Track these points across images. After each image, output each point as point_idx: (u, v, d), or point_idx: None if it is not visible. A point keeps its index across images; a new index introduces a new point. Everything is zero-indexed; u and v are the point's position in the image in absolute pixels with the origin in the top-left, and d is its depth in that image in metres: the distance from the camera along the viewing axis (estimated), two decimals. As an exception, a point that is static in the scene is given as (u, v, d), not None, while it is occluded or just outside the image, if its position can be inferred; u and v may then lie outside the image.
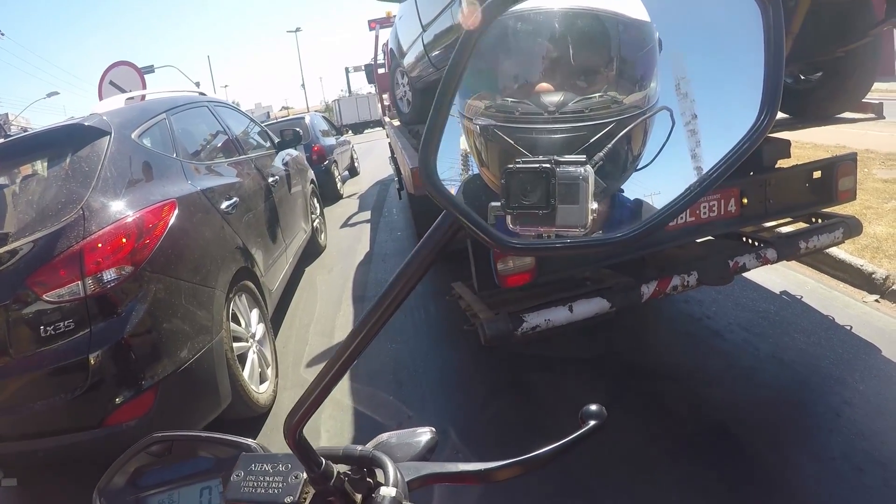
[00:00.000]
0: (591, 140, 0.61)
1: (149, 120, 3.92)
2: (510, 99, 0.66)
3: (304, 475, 0.85)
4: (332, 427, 3.63)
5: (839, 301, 4.42)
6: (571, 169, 0.55)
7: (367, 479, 0.86)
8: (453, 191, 0.65)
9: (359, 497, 0.85)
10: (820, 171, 3.59)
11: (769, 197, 3.45)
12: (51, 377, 2.83)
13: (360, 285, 6.37)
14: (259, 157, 5.74)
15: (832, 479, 2.68)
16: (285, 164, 6.54)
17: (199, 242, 3.53)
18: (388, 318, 0.68)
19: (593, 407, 0.90)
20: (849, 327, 3.94)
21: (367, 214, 10.37)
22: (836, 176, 3.54)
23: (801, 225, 3.95)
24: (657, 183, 0.61)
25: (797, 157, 4.02)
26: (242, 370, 3.69)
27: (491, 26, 0.58)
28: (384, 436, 0.98)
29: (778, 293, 4.61)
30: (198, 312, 3.32)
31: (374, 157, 19.72)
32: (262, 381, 3.99)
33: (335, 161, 13.15)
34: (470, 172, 0.68)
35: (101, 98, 8.57)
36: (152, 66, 20.17)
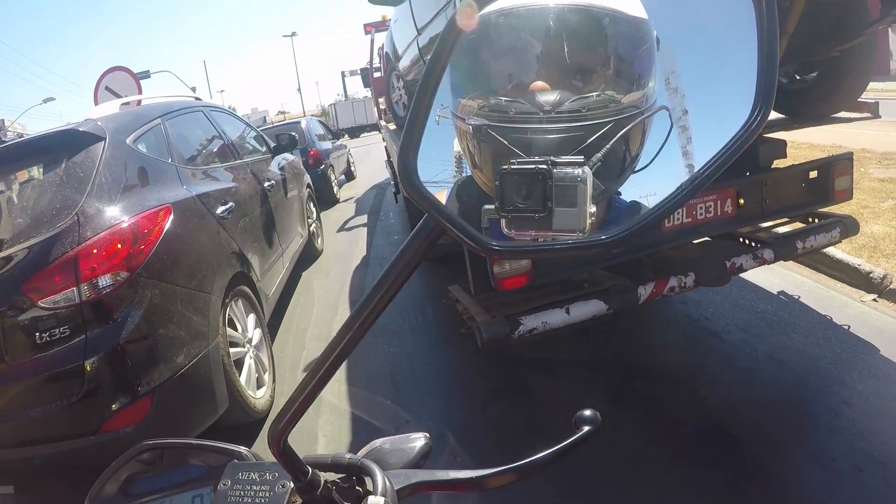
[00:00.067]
0: (589, 140, 0.60)
1: (144, 125, 3.91)
2: (504, 98, 0.64)
3: (292, 484, 0.84)
4: (329, 432, 3.62)
5: (837, 301, 4.42)
6: (569, 170, 0.53)
7: (357, 488, 0.84)
8: (445, 194, 0.65)
9: None
10: (816, 171, 3.59)
11: (766, 197, 3.44)
12: (47, 384, 2.82)
13: (357, 289, 6.36)
14: (255, 161, 5.74)
15: (832, 479, 2.67)
16: (281, 169, 6.53)
17: (194, 247, 3.52)
18: (371, 324, 0.67)
19: (587, 412, 0.89)
20: (846, 327, 3.93)
21: (363, 218, 10.36)
22: (832, 175, 3.54)
23: (798, 225, 3.95)
24: (652, 184, 0.60)
25: (793, 157, 4.02)
26: (239, 375, 3.68)
27: (478, 22, 0.57)
28: (377, 442, 0.97)
29: (775, 293, 4.61)
30: (194, 318, 3.30)
31: (370, 160, 19.73)
32: (259, 387, 3.98)
33: (331, 165, 13.16)
34: (464, 175, 0.67)
35: (96, 103, 8.55)
36: (148, 71, 20.23)
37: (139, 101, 5.21)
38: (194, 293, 3.35)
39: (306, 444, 3.50)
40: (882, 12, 3.08)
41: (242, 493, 0.86)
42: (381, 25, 11.50)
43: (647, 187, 0.59)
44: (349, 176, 16.85)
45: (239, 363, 3.78)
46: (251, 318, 4.16)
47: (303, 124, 12.97)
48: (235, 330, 3.84)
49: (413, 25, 5.09)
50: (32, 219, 3.04)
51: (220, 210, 4.03)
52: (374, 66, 11.73)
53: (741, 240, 3.78)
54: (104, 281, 2.90)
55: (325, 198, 11.68)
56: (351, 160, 17.30)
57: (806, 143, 9.38)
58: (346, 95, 51.12)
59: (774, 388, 3.44)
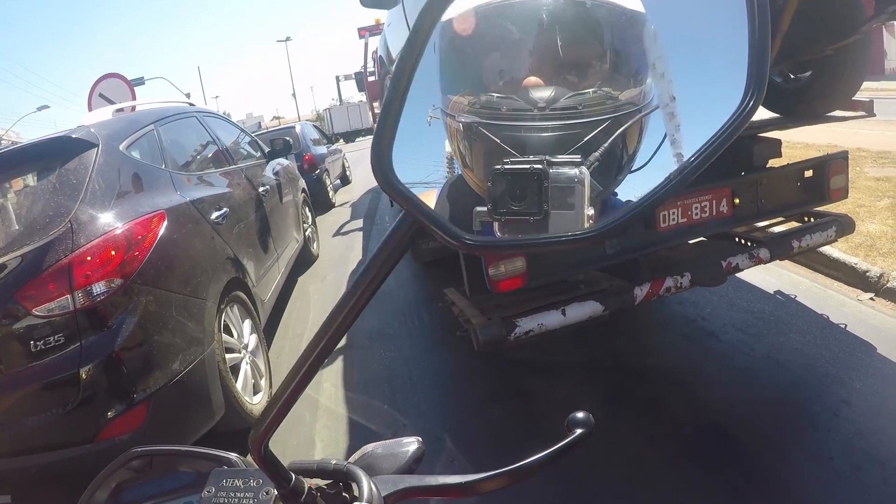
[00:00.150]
0: (586, 139, 0.58)
1: (137, 131, 3.89)
2: (496, 95, 0.62)
3: (276, 491, 0.82)
4: (326, 437, 3.61)
5: (834, 300, 4.42)
6: (566, 170, 0.52)
7: (343, 494, 0.83)
8: (434, 194, 0.62)
9: None
10: (811, 170, 3.58)
11: (761, 197, 3.44)
12: (42, 392, 2.80)
13: (352, 293, 6.33)
14: (249, 166, 5.72)
15: (831, 479, 2.66)
16: (276, 174, 6.52)
17: (188, 253, 3.50)
18: (348, 326, 0.65)
19: (580, 414, 0.87)
20: (844, 326, 3.93)
21: (359, 223, 10.35)
22: (827, 174, 3.54)
23: (794, 224, 3.95)
24: (647, 185, 0.56)
25: (789, 156, 4.02)
26: (235, 381, 3.66)
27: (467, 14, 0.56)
28: (369, 447, 0.95)
29: (772, 293, 4.60)
30: (189, 324, 3.28)
31: (366, 165, 19.63)
32: (255, 392, 3.96)
33: (327, 170, 13.14)
34: (455, 174, 0.65)
35: (90, 111, 8.53)
36: (142, 77, 20.13)
37: (133, 108, 5.20)
38: (189, 299, 3.33)
39: (303, 450, 3.49)
40: (876, 10, 3.08)
41: (227, 500, 0.84)
42: (375, 29, 11.49)
43: (644, 188, 0.57)
44: (345, 180, 16.84)
45: (235, 369, 3.76)
46: (247, 324, 4.15)
47: (297, 129, 12.96)
48: (231, 336, 3.82)
49: (406, 28, 5.07)
50: (26, 226, 3.02)
51: (214, 215, 4.01)
52: (368, 70, 11.73)
53: (737, 239, 3.78)
54: (98, 288, 2.88)
55: (320, 202, 11.68)
56: (346, 164, 17.29)
57: (801, 143, 9.39)
58: (340, 100, 51.20)
59: (772, 387, 3.43)
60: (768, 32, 0.51)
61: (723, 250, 3.53)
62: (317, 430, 3.69)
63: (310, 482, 0.83)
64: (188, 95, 21.01)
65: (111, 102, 8.53)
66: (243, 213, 4.70)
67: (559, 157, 0.53)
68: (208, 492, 0.86)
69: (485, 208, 0.54)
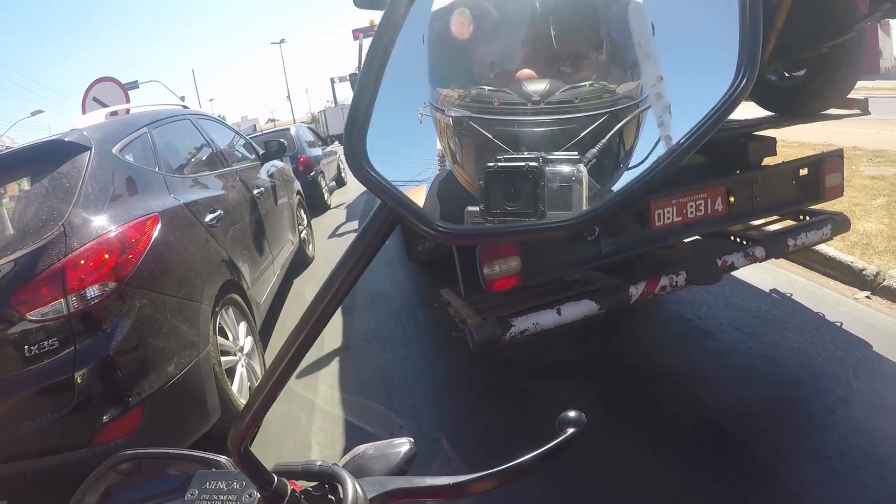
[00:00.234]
0: (583, 134, 0.56)
1: (130, 134, 3.88)
2: (488, 88, 0.60)
3: (259, 493, 0.81)
4: (322, 439, 3.60)
5: (830, 298, 4.42)
6: (563, 168, 0.50)
7: (329, 497, 0.81)
8: (424, 190, 0.61)
9: None
10: (807, 169, 3.59)
11: (756, 195, 3.44)
12: (37, 397, 2.78)
13: (349, 296, 6.31)
14: (243, 169, 5.71)
15: (829, 478, 2.66)
16: (271, 176, 6.50)
17: (183, 256, 3.49)
18: (327, 321, 0.63)
19: (572, 413, 0.86)
20: (840, 324, 3.93)
21: (354, 224, 10.33)
22: (822, 172, 3.54)
23: (789, 222, 3.95)
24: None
25: (784, 155, 4.03)
26: (231, 384, 3.65)
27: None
28: (361, 448, 0.94)
29: (768, 292, 4.60)
30: (183, 327, 3.27)
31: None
32: (251, 395, 3.94)
33: (322, 172, 13.12)
34: (446, 170, 0.63)
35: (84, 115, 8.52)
36: (136, 81, 20.11)
37: (127, 111, 5.19)
38: (184, 302, 3.32)
39: (300, 452, 3.48)
40: (870, 8, 3.08)
41: (209, 503, 0.84)
42: (369, 31, 11.47)
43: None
44: (340, 182, 16.81)
45: (231, 372, 3.76)
46: (242, 326, 4.14)
47: (292, 131, 12.94)
48: (226, 338, 3.81)
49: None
50: (19, 230, 3.01)
51: (208, 218, 4.00)
52: (362, 71, 11.69)
53: (732, 238, 3.77)
54: (92, 292, 2.87)
55: (315, 204, 11.66)
56: (341, 166, 17.23)
57: (797, 142, 9.41)
58: (335, 102, 50.99)
59: (769, 386, 3.43)
60: (760, 10, 0.49)
61: (718, 249, 3.52)
62: (313, 433, 3.68)
63: (297, 484, 0.82)
64: (182, 98, 20.98)
65: (105, 106, 8.51)
66: (238, 216, 4.69)
67: (555, 153, 0.51)
68: (191, 494, 0.85)
69: (477, 208, 0.52)
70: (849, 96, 3.80)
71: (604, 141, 0.56)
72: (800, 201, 3.67)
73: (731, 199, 3.36)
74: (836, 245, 4.88)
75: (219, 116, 7.40)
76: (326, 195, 13.23)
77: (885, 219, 5.54)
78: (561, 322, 3.06)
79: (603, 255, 3.12)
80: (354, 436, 3.60)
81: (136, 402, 2.92)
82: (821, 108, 3.87)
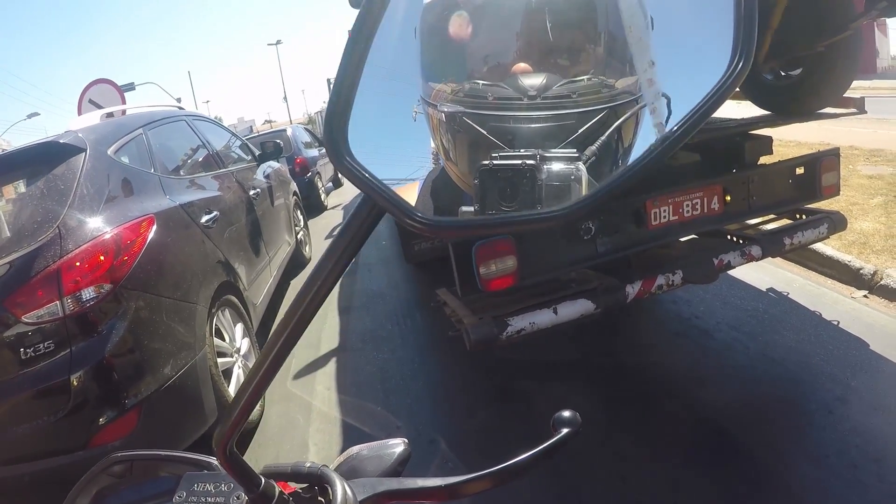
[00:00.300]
0: (581, 130, 0.54)
1: (125, 135, 3.87)
2: (482, 82, 0.59)
3: (247, 495, 0.79)
4: (319, 440, 3.59)
5: (828, 297, 4.42)
6: (561, 166, 0.48)
7: (319, 499, 0.80)
8: (417, 187, 0.58)
9: None
10: (803, 167, 3.58)
11: (752, 194, 3.44)
12: (33, 400, 2.77)
13: (345, 296, 6.31)
14: (240, 170, 5.69)
15: (827, 477, 2.66)
16: (267, 177, 6.49)
17: (179, 258, 3.48)
18: (312, 317, 0.61)
19: (566, 413, 0.84)
20: (836, 322, 3.94)
21: (352, 225, 10.28)
22: (819, 171, 3.54)
23: (786, 221, 3.95)
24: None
25: (781, 155, 4.02)
26: (228, 386, 3.64)
27: None
28: (355, 449, 0.93)
29: (765, 291, 4.61)
30: (180, 329, 3.26)
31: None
32: (248, 397, 3.93)
33: (318, 172, 13.12)
34: (440, 167, 0.61)
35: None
36: (132, 83, 20.01)
37: (123, 112, 5.18)
38: (180, 303, 3.31)
39: (297, 453, 3.48)
40: (866, 6, 3.08)
41: None
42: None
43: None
44: (336, 183, 16.79)
45: (227, 373, 3.74)
46: (239, 328, 4.13)
47: (289, 132, 12.96)
48: (223, 340, 3.80)
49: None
50: (13, 233, 2.99)
51: (204, 219, 3.99)
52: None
53: (729, 237, 3.77)
54: (87, 294, 2.86)
55: (312, 205, 11.67)
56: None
57: (794, 141, 9.41)
58: (332, 103, 50.83)
59: (767, 385, 3.43)
60: None
61: (714, 248, 3.52)
62: (310, 434, 3.67)
63: (290, 486, 0.82)
64: (179, 100, 20.95)
65: (101, 108, 8.49)
66: (234, 217, 4.68)
67: (553, 151, 0.49)
68: (179, 496, 0.84)
69: (471, 208, 0.50)
70: (845, 95, 3.80)
71: (603, 138, 0.54)
72: (796, 200, 3.67)
73: (728, 198, 3.36)
74: (834, 244, 4.89)
75: (215, 118, 7.38)
76: (323, 196, 13.24)
77: (883, 218, 5.55)
78: (557, 321, 3.05)
79: (599, 255, 3.12)
80: (352, 437, 3.59)
81: (132, 404, 2.90)
82: (817, 107, 3.87)
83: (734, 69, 0.47)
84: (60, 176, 3.18)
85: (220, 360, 3.62)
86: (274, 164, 7.13)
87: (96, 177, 3.30)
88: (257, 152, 6.58)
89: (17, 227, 3.02)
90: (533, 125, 0.57)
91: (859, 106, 3.79)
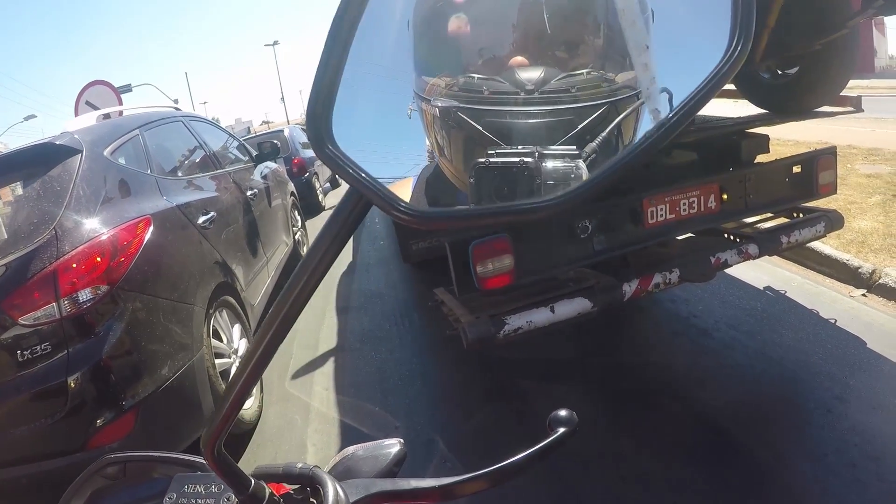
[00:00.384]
0: (580, 126, 0.53)
1: (121, 136, 3.85)
2: (477, 76, 0.57)
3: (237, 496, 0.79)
4: (318, 441, 3.59)
5: (826, 296, 4.42)
6: (560, 164, 0.46)
7: (311, 500, 0.80)
8: (411, 184, 0.57)
9: None
10: (800, 166, 3.58)
11: (749, 192, 3.44)
12: (30, 402, 2.76)
13: (343, 296, 6.31)
14: (237, 170, 5.68)
15: (826, 476, 2.65)
16: (264, 178, 6.48)
17: (176, 258, 3.47)
18: (298, 313, 0.60)
19: (562, 412, 0.83)
20: (834, 321, 3.93)
21: (350, 225, 10.27)
22: (816, 170, 3.54)
23: (783, 220, 3.94)
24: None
25: (778, 153, 4.01)
26: (225, 387, 3.63)
27: None
28: (350, 449, 0.92)
29: (763, 290, 4.60)
30: (177, 330, 3.25)
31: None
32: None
33: (316, 173, 13.10)
34: (434, 162, 0.60)
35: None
36: (129, 84, 19.94)
37: (120, 113, 5.17)
38: (177, 304, 3.30)
39: (296, 454, 3.47)
40: (863, 5, 3.08)
41: None
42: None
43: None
44: (334, 183, 16.77)
45: (225, 374, 3.72)
46: (236, 329, 4.12)
47: (286, 133, 12.97)
48: (220, 341, 3.80)
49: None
50: (10, 235, 2.98)
51: (201, 220, 3.97)
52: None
53: (725, 235, 3.77)
54: (84, 295, 2.85)
55: (310, 206, 11.66)
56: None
57: (791, 140, 9.41)
58: (329, 103, 50.83)
59: (765, 384, 3.43)
60: None
61: (711, 246, 3.52)
62: (309, 435, 3.67)
63: (284, 487, 0.81)
64: (176, 101, 20.91)
65: (98, 109, 8.48)
66: (231, 218, 4.67)
67: (552, 148, 0.48)
68: (169, 498, 0.83)
69: (467, 207, 0.49)
70: (842, 94, 3.80)
71: (604, 134, 0.52)
72: (793, 199, 3.67)
73: (725, 196, 3.36)
74: (832, 243, 4.89)
75: (213, 119, 7.36)
76: (321, 196, 13.25)
77: (881, 217, 5.55)
78: (555, 320, 3.05)
79: (596, 253, 3.12)
80: (350, 437, 3.58)
81: (129, 405, 2.90)
82: (814, 105, 3.87)
83: (733, 53, 0.45)
84: (57, 177, 3.17)
85: (217, 361, 3.61)
86: (271, 164, 7.12)
87: (93, 178, 3.29)
88: (254, 153, 6.57)
89: (13, 228, 3.01)
90: (531, 121, 0.56)
91: (856, 104, 3.79)
